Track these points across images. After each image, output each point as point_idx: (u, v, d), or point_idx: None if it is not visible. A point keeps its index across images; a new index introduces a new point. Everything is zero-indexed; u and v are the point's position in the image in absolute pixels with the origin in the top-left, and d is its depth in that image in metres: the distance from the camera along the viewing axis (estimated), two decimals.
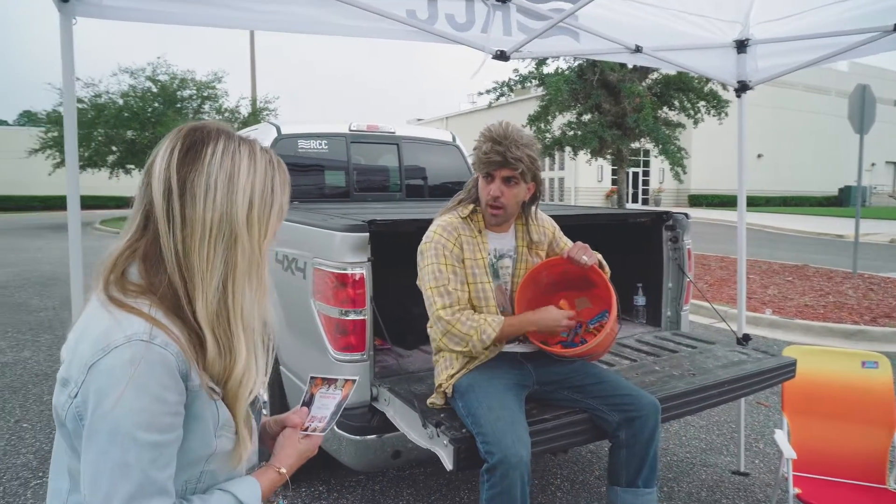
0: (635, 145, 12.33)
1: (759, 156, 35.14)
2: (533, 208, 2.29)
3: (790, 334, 6.51)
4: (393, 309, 2.73)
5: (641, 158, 32.70)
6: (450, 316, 2.05)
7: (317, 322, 2.45)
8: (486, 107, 11.82)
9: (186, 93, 23.02)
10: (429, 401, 2.17)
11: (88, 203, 33.59)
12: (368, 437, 2.30)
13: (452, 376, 2.11)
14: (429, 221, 2.34)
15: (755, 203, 33.07)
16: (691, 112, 11.51)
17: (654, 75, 11.31)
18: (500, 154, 2.05)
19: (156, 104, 22.14)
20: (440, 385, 2.14)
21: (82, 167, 22.27)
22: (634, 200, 34.30)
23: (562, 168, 33.17)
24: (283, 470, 1.10)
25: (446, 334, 2.06)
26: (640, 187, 35.15)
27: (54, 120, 22.24)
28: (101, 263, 0.96)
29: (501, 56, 2.66)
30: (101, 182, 22.55)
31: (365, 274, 2.31)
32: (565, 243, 2.39)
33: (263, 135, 4.14)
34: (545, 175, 34.78)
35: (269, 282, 1.01)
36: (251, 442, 1.03)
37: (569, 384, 2.16)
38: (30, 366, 5.25)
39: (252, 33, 22.54)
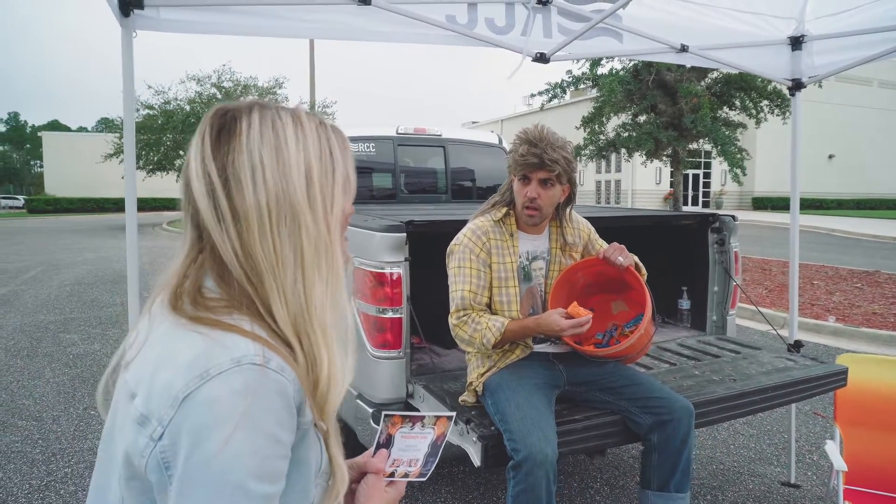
0: (693, 146, 12.00)
1: (831, 157, 33.51)
2: (568, 210, 2.30)
3: (854, 343, 6.21)
4: (431, 308, 2.78)
5: (702, 160, 31.72)
6: (456, 320, 2.12)
7: (356, 319, 2.53)
8: (539, 109, 11.75)
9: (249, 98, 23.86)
10: (460, 398, 2.21)
11: (157, 205, 35.42)
12: None
13: (483, 374, 2.15)
14: (465, 222, 2.39)
15: (826, 206, 31.56)
16: (753, 112, 11.11)
17: (714, 74, 10.99)
18: (536, 156, 2.07)
19: None
20: (471, 383, 2.18)
21: (151, 171, 23.44)
22: (694, 203, 33.31)
23: (618, 170, 32.55)
24: None
25: (455, 337, 2.14)
26: (701, 190, 34.10)
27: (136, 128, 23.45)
28: (161, 284, 0.80)
29: (541, 58, 2.67)
30: (169, 185, 23.65)
31: (402, 273, 2.37)
32: (601, 245, 2.39)
33: None
34: (601, 177, 34.24)
35: (342, 268, 0.81)
36: (344, 474, 0.83)
37: (601, 385, 2.16)
38: (98, 357, 5.60)
39: (312, 42, 23.15)
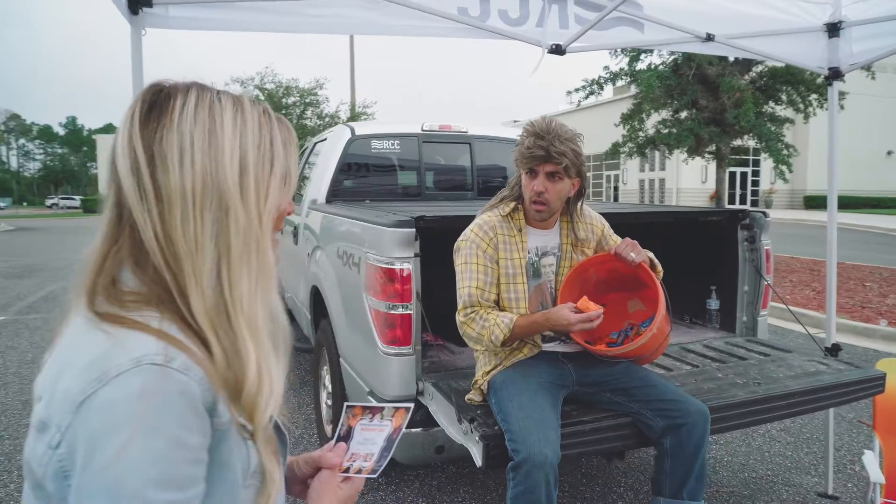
0: (738, 143, 11.60)
1: (889, 153, 32.00)
2: (579, 205, 2.23)
3: None
4: (446, 305, 2.75)
5: (750, 157, 30.72)
6: (464, 317, 2.08)
7: (368, 316, 2.51)
8: (576, 106, 11.57)
9: (290, 100, 24.29)
10: (467, 397, 2.17)
11: None
12: (413, 430, 2.33)
13: (489, 372, 2.11)
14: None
15: (885, 205, 30.13)
16: (801, 106, 10.66)
17: (759, 68, 10.60)
18: (543, 148, 2.01)
19: None
20: (476, 381, 2.14)
21: None
22: (742, 202, 32.30)
23: (662, 168, 31.85)
24: None
25: (463, 335, 2.10)
26: (749, 188, 33.05)
27: None
28: (78, 275, 0.74)
29: (557, 50, 2.61)
30: None
31: (412, 269, 2.34)
32: (615, 241, 2.31)
33: (338, 136, 4.30)
34: (644, 176, 33.55)
35: (273, 266, 0.78)
36: (280, 479, 0.78)
37: (612, 386, 2.08)
38: None
39: (352, 42, 23.39)
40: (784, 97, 10.71)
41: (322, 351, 3.49)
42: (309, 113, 24.47)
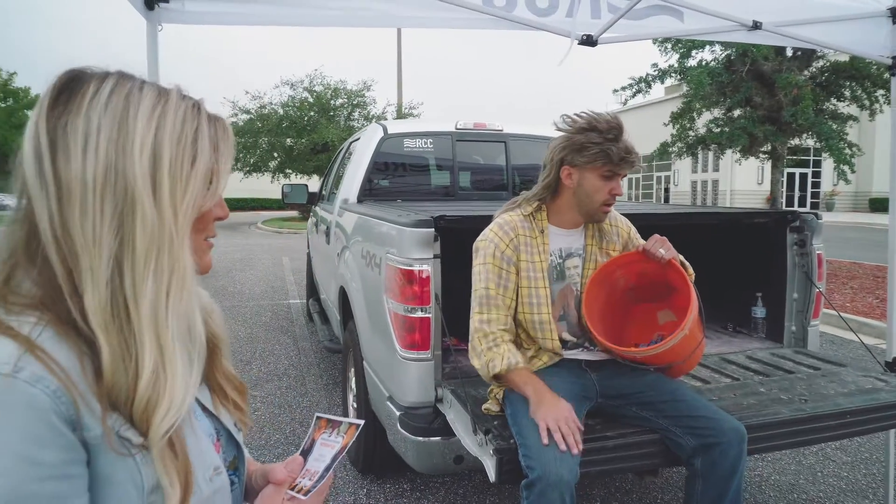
0: (796, 142, 11.05)
1: None
2: None
3: None
4: (469, 309, 2.65)
5: (811, 158, 29.42)
6: (481, 324, 1.97)
7: (387, 318, 2.43)
8: (623, 104, 11.25)
9: (338, 101, 24.60)
10: (483, 406, 2.06)
11: (253, 205, 37.31)
12: (431, 439, 2.23)
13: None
14: None
15: None
16: (866, 103, 10.06)
17: (820, 63, 10.06)
18: (635, 156, 1.95)
19: (311, 113, 23.90)
20: (492, 389, 2.02)
21: (248, 172, 24.65)
22: (801, 205, 30.94)
23: (716, 169, 30.84)
24: None
25: (471, 341, 2.00)
26: (809, 190, 31.65)
27: (235, 132, 24.86)
28: None
29: (588, 41, 2.47)
30: (264, 185, 24.75)
31: (431, 271, 2.25)
32: (641, 244, 2.17)
33: (371, 135, 4.25)
34: (697, 177, 32.56)
35: (189, 269, 0.72)
36: (188, 484, 0.72)
37: (638, 400, 1.93)
38: None
39: (399, 43, 23.52)
40: (847, 93, 10.13)
41: (349, 353, 3.44)
42: (356, 115, 24.74)
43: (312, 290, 6.23)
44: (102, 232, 0.66)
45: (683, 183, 33.75)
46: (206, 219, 0.77)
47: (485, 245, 2.03)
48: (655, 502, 3.00)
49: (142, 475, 0.68)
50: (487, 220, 2.35)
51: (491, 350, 1.92)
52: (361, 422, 0.94)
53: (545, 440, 1.69)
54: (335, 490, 3.11)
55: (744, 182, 29.47)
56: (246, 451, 0.93)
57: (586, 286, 2.06)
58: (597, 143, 1.89)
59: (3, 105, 25.73)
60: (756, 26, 2.60)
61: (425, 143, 4.24)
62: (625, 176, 1.99)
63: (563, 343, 2.05)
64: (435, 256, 2.26)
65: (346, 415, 3.56)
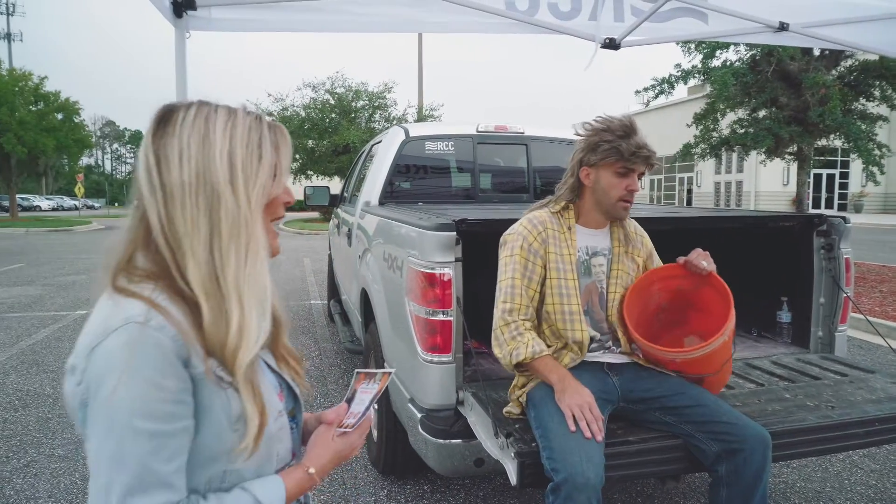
0: (823, 143, 10.85)
1: None
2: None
3: None
4: (491, 312, 2.65)
5: (839, 158, 28.86)
6: (505, 314, 2.00)
7: (409, 321, 2.45)
8: (645, 105, 11.15)
9: (360, 103, 24.75)
10: (505, 409, 2.06)
11: None
12: (452, 441, 2.24)
13: (526, 384, 1.99)
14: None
15: None
16: None
17: (848, 62, 9.87)
18: (648, 151, 1.98)
19: (333, 115, 24.07)
20: (513, 391, 2.03)
21: None
22: (828, 206, 30.35)
23: (740, 170, 30.39)
24: (312, 470, 1.00)
25: (494, 331, 2.02)
26: (836, 191, 31.04)
27: None
28: (105, 258, 0.93)
29: (611, 44, 2.46)
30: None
31: (452, 274, 2.26)
32: (658, 264, 2.24)
33: (392, 138, 4.27)
34: (720, 178, 32.12)
35: (263, 241, 0.93)
36: (263, 415, 0.92)
37: (661, 404, 1.92)
38: None
39: (420, 45, 23.59)
40: (877, 93, 9.93)
41: (370, 354, 3.46)
42: (377, 116, 24.87)
43: (334, 291, 6.29)
44: (198, 221, 0.88)
45: (707, 184, 33.32)
46: (275, 203, 0.98)
47: (513, 238, 2.09)
48: None
49: (230, 406, 0.90)
50: (509, 223, 2.36)
51: (514, 339, 1.95)
52: (393, 370, 1.17)
53: (572, 427, 1.73)
54: (356, 490, 3.14)
55: (769, 183, 29.00)
56: (302, 403, 1.14)
57: (628, 292, 2.10)
58: (608, 140, 1.98)
59: (33, 109, 26.31)
60: (782, 27, 2.58)
61: (446, 146, 4.26)
62: (642, 173, 2.03)
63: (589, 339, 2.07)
64: (456, 259, 2.27)
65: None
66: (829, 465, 3.45)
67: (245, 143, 0.92)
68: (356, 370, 1.14)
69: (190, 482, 0.88)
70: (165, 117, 0.91)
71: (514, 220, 2.40)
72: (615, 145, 1.97)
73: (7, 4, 42.54)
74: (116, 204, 72.11)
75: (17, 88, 25.48)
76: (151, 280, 0.89)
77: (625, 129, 1.98)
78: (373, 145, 5.07)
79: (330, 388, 4.70)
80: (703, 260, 2.00)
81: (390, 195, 4.08)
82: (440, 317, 2.28)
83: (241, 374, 0.89)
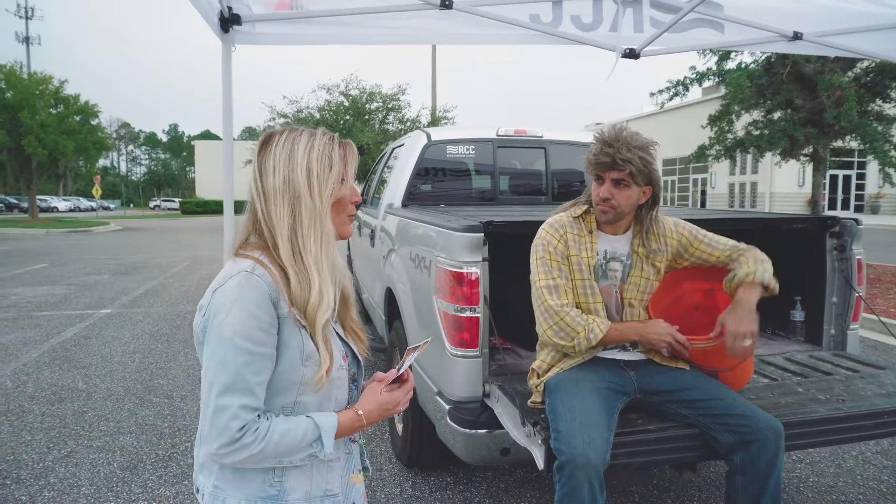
0: (839, 144, 10.84)
1: None
2: (652, 213, 2.20)
3: None
4: (517, 310, 2.77)
5: (855, 159, 28.63)
6: (559, 307, 2.08)
7: (437, 318, 2.57)
8: (660, 108, 11.20)
9: (374, 105, 24.92)
10: (529, 400, 2.18)
11: None
12: (479, 431, 2.37)
13: (545, 374, 2.12)
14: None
15: None
16: None
17: (864, 63, 9.87)
18: (609, 156, 2.04)
19: (347, 116, 24.27)
20: (531, 378, 2.16)
21: None
22: (844, 207, 30.11)
23: (754, 172, 30.22)
24: (361, 412, 1.25)
25: (554, 325, 2.08)
26: (853, 193, 30.78)
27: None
28: (232, 238, 1.30)
29: (631, 54, 2.58)
30: None
31: (479, 273, 2.39)
32: (705, 241, 2.28)
33: (415, 142, 4.40)
34: (735, 180, 31.96)
35: (332, 230, 1.23)
36: (331, 359, 1.20)
37: (677, 397, 2.03)
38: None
39: (434, 48, 23.73)
40: (894, 94, 9.92)
41: (395, 351, 3.59)
42: (391, 118, 25.03)
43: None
44: (285, 214, 1.20)
45: (721, 185, 33.18)
46: (342, 203, 1.27)
47: (539, 243, 2.20)
48: (692, 500, 3.07)
49: (304, 344, 1.18)
50: (532, 224, 2.48)
51: (581, 325, 2.05)
52: (430, 338, 1.49)
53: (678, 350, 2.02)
54: (381, 481, 3.27)
55: (784, 184, 28.84)
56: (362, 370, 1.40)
57: (657, 289, 2.22)
58: (589, 153, 2.13)
59: (54, 112, 26.76)
60: (797, 36, 2.67)
61: (467, 150, 4.38)
62: (616, 179, 2.07)
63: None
64: (483, 259, 2.40)
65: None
66: (842, 460, 3.53)
67: (319, 157, 1.22)
68: (407, 347, 1.40)
69: (268, 405, 1.16)
70: (266, 141, 1.23)
71: (537, 222, 2.52)
72: (588, 154, 2.13)
73: (26, 9, 43.17)
74: (132, 205, 72.86)
75: (37, 92, 25.92)
76: (259, 250, 1.21)
77: (597, 139, 2.10)
78: (394, 148, 5.20)
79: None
80: (743, 343, 1.95)
81: (413, 197, 4.21)
82: (468, 314, 2.41)
83: (319, 327, 1.18)
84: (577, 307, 2.15)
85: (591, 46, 2.57)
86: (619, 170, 2.04)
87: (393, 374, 1.32)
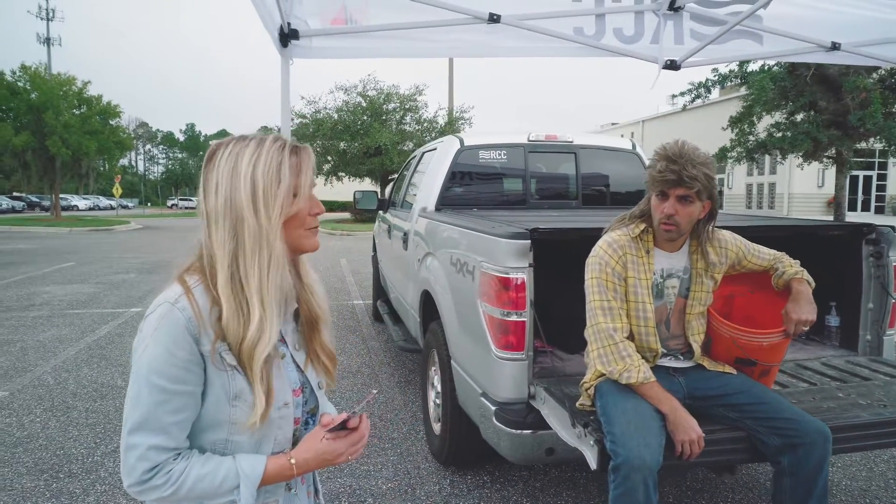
0: (861, 146, 10.79)
1: None
2: (709, 227, 2.23)
3: None
4: (557, 313, 2.84)
5: (876, 160, 28.31)
6: (612, 332, 2.11)
7: (482, 321, 2.66)
8: (682, 109, 11.20)
9: (391, 106, 25.08)
10: (578, 402, 2.26)
11: None
12: (524, 431, 2.45)
13: (597, 377, 2.18)
14: (592, 230, 2.43)
15: None
16: None
17: (889, 65, 9.82)
18: (675, 173, 2.04)
19: (364, 117, 24.44)
20: (583, 383, 2.22)
21: None
22: (864, 209, 29.79)
23: (773, 172, 29.99)
24: (293, 460, 1.13)
25: (601, 348, 2.13)
26: (874, 193, 30.43)
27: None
28: (182, 259, 1.21)
29: (672, 66, 2.64)
30: (317, 189, 25.36)
31: (526, 278, 2.46)
32: (756, 254, 2.37)
33: (448, 147, 4.49)
34: (753, 180, 31.72)
35: (281, 253, 1.10)
36: (269, 400, 1.09)
37: (724, 402, 2.10)
38: None
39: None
40: None
41: (431, 352, 3.67)
42: (408, 118, 25.18)
43: (380, 292, 6.53)
44: (226, 239, 1.08)
45: (738, 186, 32.95)
46: (298, 218, 1.14)
47: (596, 261, 2.21)
48: (726, 501, 3.13)
49: (229, 385, 1.08)
50: (577, 232, 2.56)
51: (623, 360, 2.08)
52: (377, 391, 1.30)
53: (687, 453, 1.95)
54: (420, 480, 3.35)
55: (802, 185, 28.59)
56: (326, 405, 1.29)
57: (718, 284, 2.29)
58: (652, 167, 2.13)
59: (77, 112, 27.21)
60: (835, 47, 2.72)
61: (499, 155, 4.47)
62: (681, 196, 2.08)
63: (659, 352, 2.24)
64: (530, 265, 2.47)
65: (427, 411, 3.80)
66: (874, 464, 3.57)
67: (266, 170, 1.08)
68: (372, 390, 1.23)
69: (197, 441, 1.10)
70: (210, 155, 1.12)
71: (581, 228, 2.59)
72: (650, 171, 2.13)
73: (47, 10, 43.82)
74: (149, 204, 73.71)
75: (61, 93, 26.36)
76: (199, 274, 1.11)
77: (659, 155, 2.11)
78: (424, 153, 5.29)
79: (383, 384, 4.93)
80: (804, 325, 2.13)
81: (446, 201, 4.30)
82: (514, 317, 2.49)
83: (257, 364, 1.06)
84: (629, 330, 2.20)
85: (633, 58, 2.64)
86: (686, 187, 2.04)
87: (339, 418, 1.15)
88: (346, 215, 27.30)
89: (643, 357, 2.19)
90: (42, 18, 43.70)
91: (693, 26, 2.65)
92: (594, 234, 2.35)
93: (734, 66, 9.91)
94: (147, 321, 1.07)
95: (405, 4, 2.37)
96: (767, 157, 15.27)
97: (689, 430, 1.95)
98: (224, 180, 1.07)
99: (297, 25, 2.35)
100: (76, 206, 48.08)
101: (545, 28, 2.52)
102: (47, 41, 43.08)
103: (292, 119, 25.11)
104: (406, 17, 2.43)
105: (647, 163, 2.21)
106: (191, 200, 63.48)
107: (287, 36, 2.33)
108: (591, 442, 1.98)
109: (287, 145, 1.12)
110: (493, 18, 2.44)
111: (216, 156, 1.10)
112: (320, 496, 1.33)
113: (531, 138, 4.50)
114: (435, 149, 4.85)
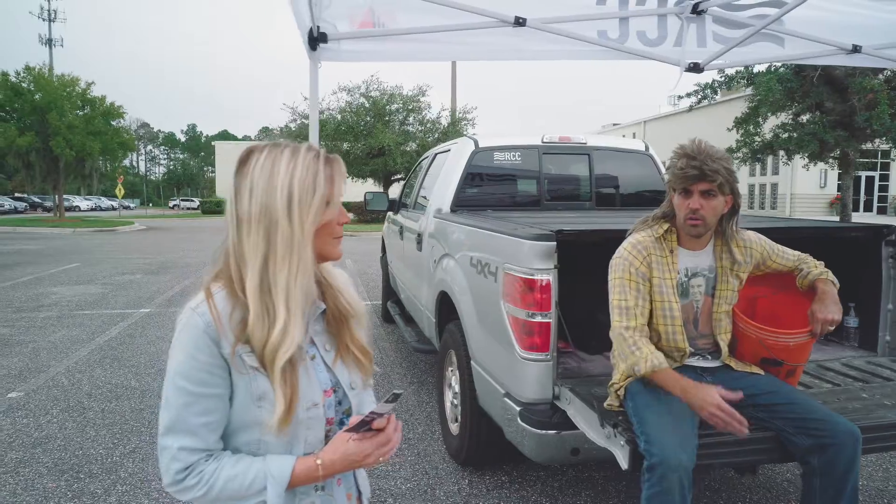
0: (866, 146, 10.81)
1: None
2: (733, 223, 2.26)
3: None
4: (580, 314, 2.86)
5: (879, 161, 28.31)
6: (623, 329, 2.16)
7: (505, 322, 2.67)
8: (687, 109, 11.21)
9: (394, 106, 25.11)
10: (606, 403, 2.27)
11: None
12: (549, 431, 2.46)
13: (627, 378, 2.20)
14: (615, 232, 2.45)
15: None
16: None
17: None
18: (696, 168, 2.08)
19: (367, 118, 24.47)
20: (613, 384, 2.24)
21: None
22: (867, 209, 29.79)
23: (775, 173, 30.00)
24: (320, 461, 1.12)
25: (616, 346, 2.19)
26: (876, 194, 30.44)
27: (286, 135, 25.74)
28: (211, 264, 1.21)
29: (695, 68, 2.66)
30: None
31: (551, 280, 2.48)
32: (782, 256, 2.38)
33: (462, 148, 4.51)
34: (755, 181, 31.73)
35: (311, 263, 1.12)
36: (292, 401, 1.09)
37: (753, 402, 2.11)
38: None
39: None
40: None
41: (448, 353, 3.69)
42: (411, 119, 25.21)
43: (390, 293, 6.54)
44: (259, 244, 1.09)
45: (741, 186, 32.82)
46: (328, 226, 1.15)
47: (620, 262, 2.24)
48: (744, 501, 3.15)
49: (252, 386, 1.10)
50: (601, 234, 2.57)
51: (633, 354, 2.12)
52: (401, 391, 1.20)
53: (722, 425, 1.88)
54: (439, 479, 3.37)
55: (805, 185, 28.59)
56: (367, 405, 1.28)
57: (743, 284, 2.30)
58: (673, 165, 2.17)
59: (81, 113, 27.25)
60: (856, 49, 2.74)
61: (513, 156, 4.48)
62: (704, 191, 2.12)
63: (691, 352, 2.26)
64: (555, 266, 2.49)
65: (443, 410, 3.81)
66: (890, 465, 3.58)
67: (302, 179, 1.09)
68: (393, 391, 1.15)
69: (231, 442, 1.13)
70: (244, 159, 1.13)
71: (605, 230, 2.61)
72: (672, 169, 2.16)
73: (49, 11, 43.86)
74: (151, 204, 73.75)
75: (65, 93, 26.40)
76: (223, 280, 1.13)
77: (678, 153, 2.15)
78: (437, 154, 5.30)
79: (396, 385, 4.95)
80: (829, 324, 2.14)
81: (461, 202, 4.31)
82: (539, 318, 2.50)
83: (278, 367, 1.07)
84: (655, 330, 2.23)
85: (656, 61, 2.66)
86: (708, 181, 2.08)
87: (357, 419, 1.14)
88: (351, 216, 27.35)
89: (671, 357, 2.21)
90: (44, 19, 43.73)
91: (716, 29, 2.66)
92: (616, 236, 2.37)
93: (741, 67, 9.92)
94: (177, 327, 1.11)
95: (432, 8, 2.39)
96: (770, 158, 15.31)
97: (706, 402, 1.89)
98: (259, 186, 1.08)
99: (325, 29, 2.37)
100: (78, 206, 48.17)
101: (570, 31, 2.54)
102: (49, 42, 43.12)
103: (295, 120, 25.15)
104: (433, 21, 2.45)
105: (666, 163, 2.23)
106: (192, 201, 63.55)
107: (316, 39, 2.35)
108: (622, 442, 1.99)
109: (321, 155, 1.13)
110: (519, 22, 2.45)
111: (250, 161, 1.10)
112: (364, 500, 1.30)
113: (545, 140, 4.52)
114: (448, 150, 4.86)
